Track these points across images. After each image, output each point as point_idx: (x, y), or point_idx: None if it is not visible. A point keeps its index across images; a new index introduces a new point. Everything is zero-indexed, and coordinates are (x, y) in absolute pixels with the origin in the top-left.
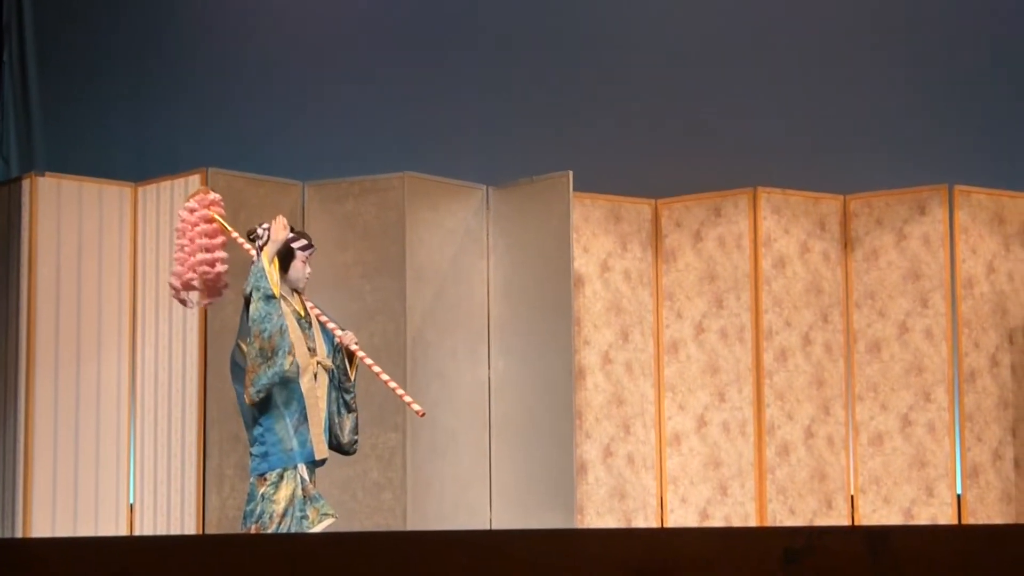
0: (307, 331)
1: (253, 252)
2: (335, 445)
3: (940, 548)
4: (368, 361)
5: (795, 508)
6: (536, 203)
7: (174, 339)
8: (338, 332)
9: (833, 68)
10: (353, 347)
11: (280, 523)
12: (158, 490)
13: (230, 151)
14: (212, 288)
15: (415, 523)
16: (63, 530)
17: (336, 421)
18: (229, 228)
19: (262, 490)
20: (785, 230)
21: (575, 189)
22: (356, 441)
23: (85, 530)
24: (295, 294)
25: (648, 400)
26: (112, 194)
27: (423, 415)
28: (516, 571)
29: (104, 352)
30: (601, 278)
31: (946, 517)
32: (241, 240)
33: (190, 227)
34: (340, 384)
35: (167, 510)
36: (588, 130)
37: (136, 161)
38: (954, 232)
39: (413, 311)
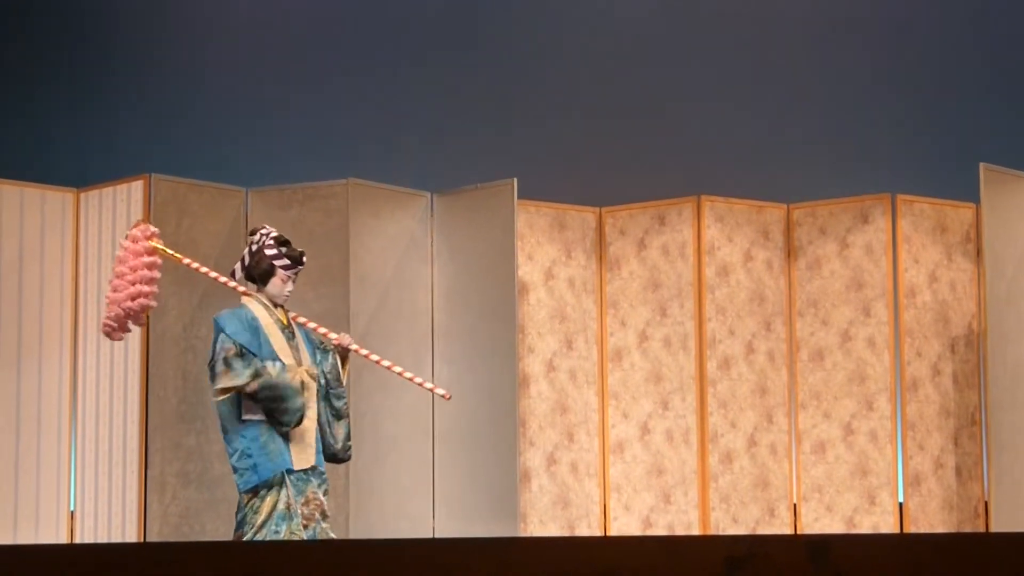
0: (291, 341)
1: (222, 278)
2: (330, 454)
3: (881, 557)
4: (374, 357)
5: (738, 516)
6: (480, 210)
7: (116, 346)
8: (332, 335)
9: (776, 77)
10: (353, 347)
11: (257, 533)
12: (99, 497)
13: (173, 157)
14: (137, 319)
15: (358, 531)
16: (2, 538)
17: (328, 431)
18: (179, 256)
19: (251, 501)
20: (729, 239)
21: (520, 197)
22: (350, 447)
23: (25, 537)
24: (277, 305)
25: (592, 408)
26: (54, 200)
27: (449, 398)
28: None
29: (45, 359)
30: (545, 286)
31: (888, 526)
32: (196, 266)
33: (132, 256)
34: (330, 390)
35: (108, 517)
36: (533, 138)
37: (78, 167)
38: (897, 241)
39: (357, 317)
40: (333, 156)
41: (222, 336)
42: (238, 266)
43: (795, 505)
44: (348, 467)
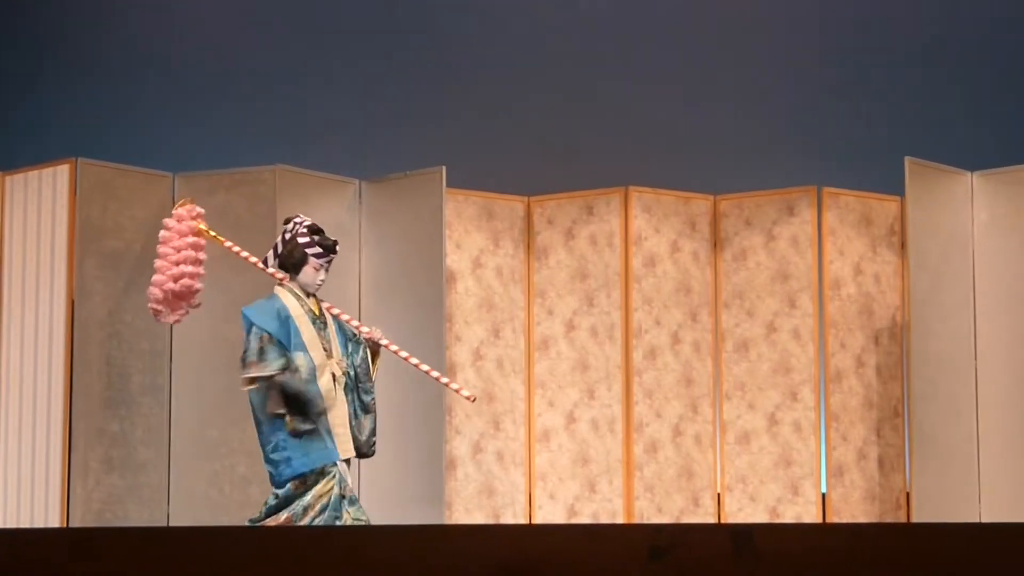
0: (322, 332)
1: (260, 263)
2: (354, 447)
3: (803, 546)
4: (404, 354)
5: (662, 506)
6: (409, 198)
7: (40, 331)
8: (364, 328)
9: (704, 69)
10: (384, 341)
11: (315, 518)
12: (21, 483)
13: (99, 141)
14: (188, 300)
15: None
16: None
17: (354, 424)
18: (221, 239)
19: (298, 488)
20: (656, 229)
21: (448, 185)
22: (374, 442)
23: None
24: (309, 295)
25: (518, 397)
26: None
27: (474, 400)
28: (381, 567)
29: None
30: (473, 274)
31: (811, 516)
32: (237, 249)
33: (176, 236)
34: (359, 384)
35: (31, 502)
36: (462, 127)
37: (3, 150)
38: (822, 234)
39: None
40: (262, 142)
41: (254, 328)
42: (270, 254)
43: (719, 495)
44: None
